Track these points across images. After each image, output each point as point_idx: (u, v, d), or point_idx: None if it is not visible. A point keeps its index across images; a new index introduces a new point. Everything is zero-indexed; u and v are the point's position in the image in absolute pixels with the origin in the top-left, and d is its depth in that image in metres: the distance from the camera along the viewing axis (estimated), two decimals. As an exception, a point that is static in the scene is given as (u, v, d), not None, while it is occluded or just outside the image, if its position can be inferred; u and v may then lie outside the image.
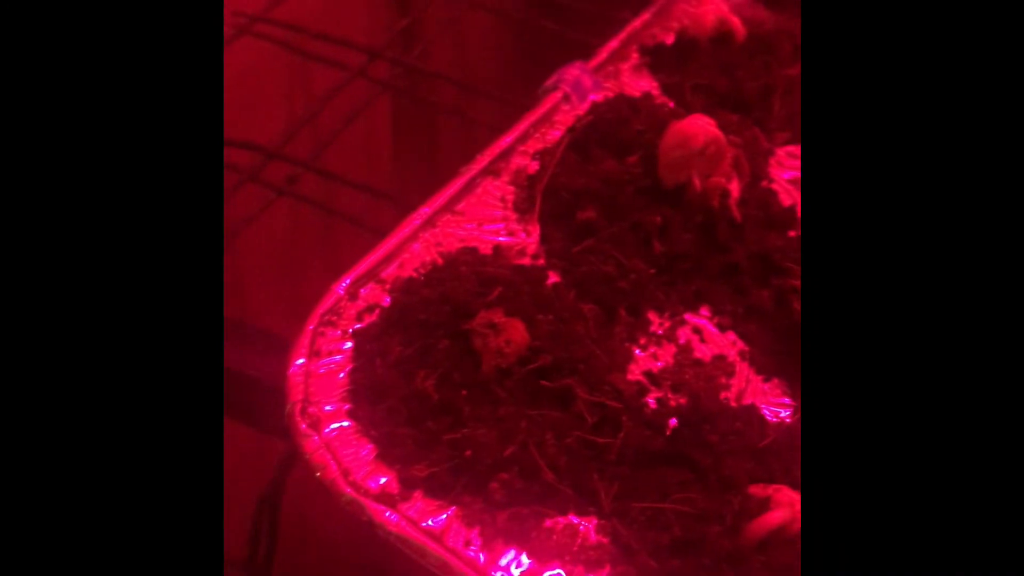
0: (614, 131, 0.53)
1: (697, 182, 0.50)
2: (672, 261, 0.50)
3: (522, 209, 0.53)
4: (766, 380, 0.48)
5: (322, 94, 0.66)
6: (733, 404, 0.46)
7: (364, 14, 0.84)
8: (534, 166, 0.55)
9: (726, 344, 0.49)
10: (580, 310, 0.47)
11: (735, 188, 0.52)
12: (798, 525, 0.39)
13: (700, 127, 0.49)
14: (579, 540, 0.41)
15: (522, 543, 0.41)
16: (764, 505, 0.40)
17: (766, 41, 0.62)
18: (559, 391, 0.43)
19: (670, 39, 0.63)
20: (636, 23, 0.65)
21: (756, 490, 0.40)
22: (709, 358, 0.48)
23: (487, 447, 0.41)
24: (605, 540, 0.41)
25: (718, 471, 0.41)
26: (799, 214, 0.54)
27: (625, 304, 0.49)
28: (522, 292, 0.46)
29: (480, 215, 0.53)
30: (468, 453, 0.41)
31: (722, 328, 0.50)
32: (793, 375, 0.47)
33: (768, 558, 0.39)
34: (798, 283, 0.47)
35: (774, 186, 0.56)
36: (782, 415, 0.46)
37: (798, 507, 0.40)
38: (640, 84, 0.62)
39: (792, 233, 0.53)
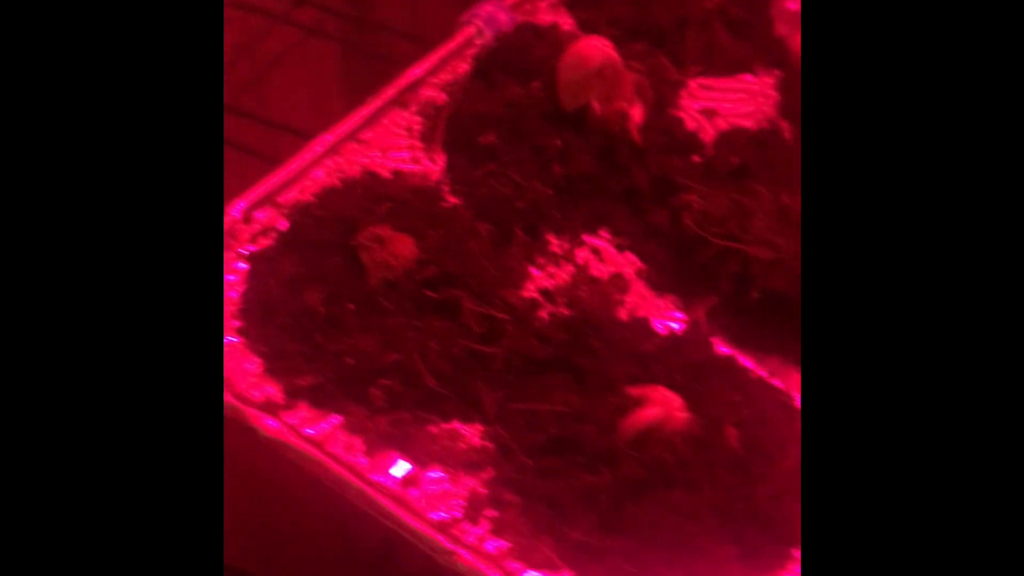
0: (518, 57, 0.54)
1: (596, 105, 0.51)
2: (572, 183, 0.50)
3: (428, 138, 0.54)
4: (659, 295, 0.48)
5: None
6: (625, 319, 0.46)
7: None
8: (443, 98, 0.56)
9: (624, 264, 0.50)
10: (475, 228, 0.47)
11: (637, 114, 0.52)
12: (672, 423, 0.40)
13: (596, 48, 0.50)
14: (462, 445, 0.42)
15: (404, 448, 0.41)
16: (640, 404, 0.40)
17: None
18: (446, 302, 0.44)
19: (586, -24, 0.63)
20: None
21: (633, 390, 0.41)
22: (606, 276, 0.49)
23: (370, 356, 0.42)
24: (489, 445, 0.42)
25: (599, 375, 0.41)
26: (705, 139, 0.54)
27: (522, 224, 0.49)
28: (414, 209, 0.46)
29: (385, 144, 0.53)
30: (351, 362, 0.42)
31: (620, 248, 0.50)
32: (686, 291, 0.48)
33: (642, 455, 0.39)
34: (693, 199, 0.48)
35: (682, 114, 0.56)
36: (672, 327, 0.46)
37: (673, 405, 0.40)
38: (560, 19, 0.62)
39: (696, 158, 0.53)
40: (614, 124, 0.51)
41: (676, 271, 0.48)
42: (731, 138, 0.52)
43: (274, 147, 0.63)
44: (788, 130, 0.56)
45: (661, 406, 0.39)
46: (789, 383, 0.45)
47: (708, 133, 0.55)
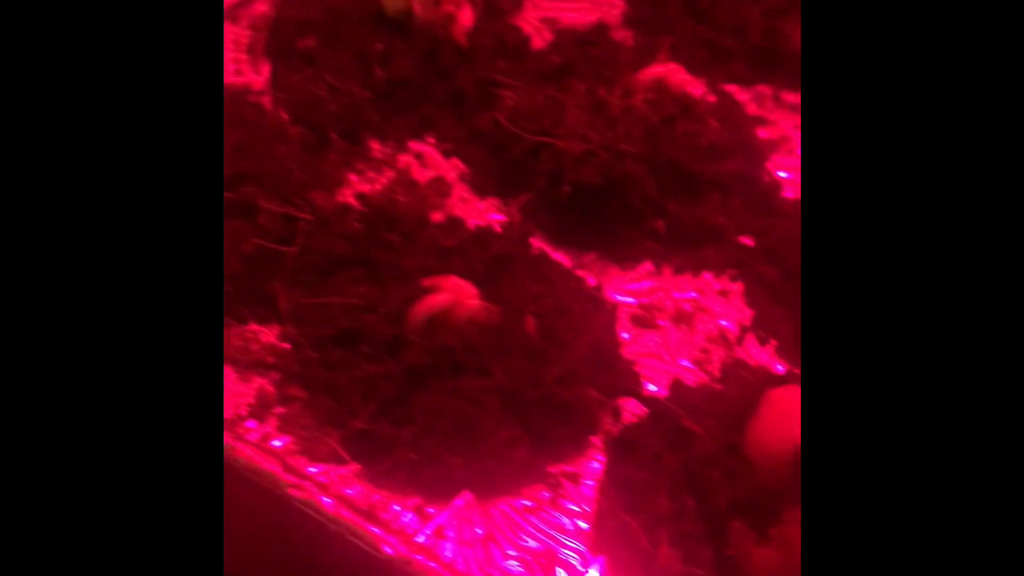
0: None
1: (418, 7, 0.50)
2: (394, 88, 0.49)
3: (252, 50, 0.52)
4: (482, 198, 0.47)
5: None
6: (441, 219, 0.45)
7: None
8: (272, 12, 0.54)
9: (448, 168, 0.48)
10: (285, 131, 0.46)
11: (466, 17, 0.51)
12: (463, 310, 0.39)
13: (413, -52, 0.49)
14: (254, 345, 0.41)
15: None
16: (430, 293, 0.39)
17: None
18: (239, 201, 0.42)
19: None
20: None
21: (425, 281, 0.40)
22: (426, 180, 0.48)
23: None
24: (286, 346, 0.41)
25: (394, 268, 0.40)
26: (538, 44, 0.53)
27: (339, 129, 0.48)
28: (226, 116, 0.45)
29: (208, 56, 0.52)
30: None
31: (446, 154, 0.49)
32: (505, 190, 0.47)
33: (431, 342, 0.38)
34: (508, 95, 0.47)
35: (520, 22, 0.55)
36: (492, 222, 0.46)
37: (464, 292, 0.39)
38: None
39: (529, 64, 0.52)
40: (439, 28, 0.50)
41: (494, 171, 0.47)
42: (559, 39, 0.52)
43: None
44: (620, 32, 0.55)
45: (451, 293, 0.38)
46: (602, 276, 0.44)
47: (546, 38, 0.55)
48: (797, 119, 0.53)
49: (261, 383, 0.40)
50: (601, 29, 0.53)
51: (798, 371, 0.41)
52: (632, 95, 0.46)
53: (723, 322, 0.44)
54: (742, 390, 0.39)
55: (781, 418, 0.37)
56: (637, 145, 0.44)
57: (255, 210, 0.43)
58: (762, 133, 0.52)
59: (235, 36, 0.54)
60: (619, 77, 0.47)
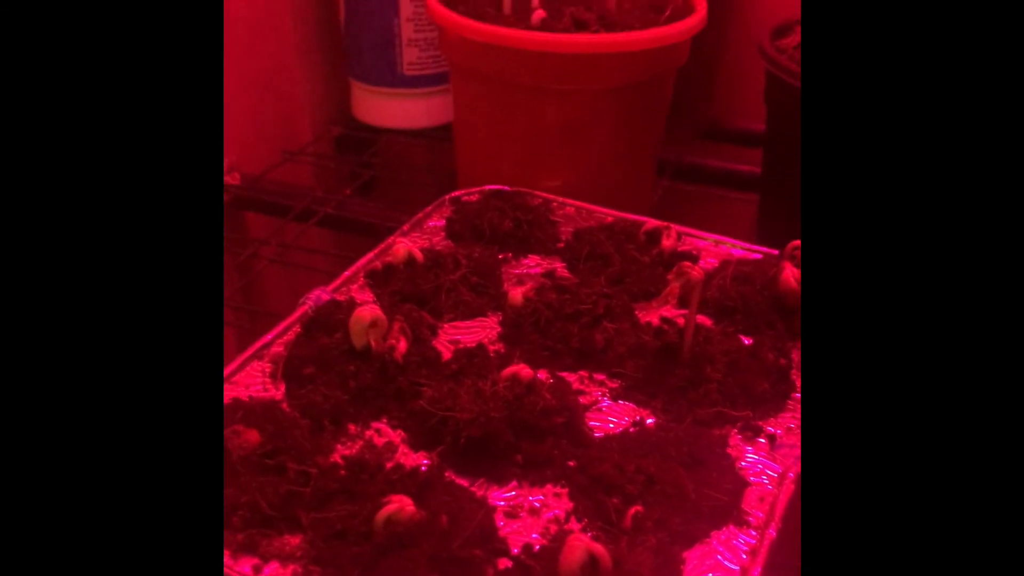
0: (327, 319, 0.87)
1: (373, 343, 0.84)
2: (361, 392, 0.81)
3: (273, 375, 0.85)
4: (415, 451, 0.78)
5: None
6: (392, 465, 0.76)
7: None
8: (283, 351, 0.88)
9: (395, 436, 0.80)
10: (297, 422, 0.78)
11: (403, 345, 0.85)
12: (404, 513, 0.69)
13: (368, 311, 0.83)
14: (287, 548, 0.70)
15: (253, 551, 0.69)
16: (386, 504, 0.69)
17: (438, 260, 0.98)
18: (277, 465, 0.73)
19: (379, 266, 0.99)
20: (364, 260, 1.01)
21: (384, 499, 0.70)
22: (381, 443, 0.79)
23: (229, 499, 0.71)
24: (304, 544, 0.70)
25: (364, 494, 0.71)
26: (445, 357, 0.87)
27: (329, 418, 0.80)
28: (260, 415, 0.77)
29: (248, 382, 0.84)
30: (220, 504, 0.70)
31: (393, 428, 0.81)
32: (429, 447, 0.78)
33: (388, 531, 0.68)
34: (426, 391, 0.80)
35: (437, 344, 0.89)
36: (421, 464, 0.76)
37: (405, 503, 0.69)
38: (364, 296, 0.97)
39: (440, 370, 0.86)
40: (386, 354, 0.84)
41: (421, 435, 0.78)
42: (457, 354, 0.86)
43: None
44: (493, 346, 0.89)
45: (398, 504, 0.69)
46: (487, 491, 0.75)
47: (449, 352, 0.89)
48: (604, 389, 0.86)
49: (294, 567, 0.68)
50: (481, 346, 0.87)
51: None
52: (498, 383, 0.80)
53: (556, 511, 0.74)
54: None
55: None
56: (501, 412, 0.77)
57: (285, 469, 0.74)
58: (583, 399, 0.85)
59: (261, 368, 0.87)
60: (490, 374, 0.80)
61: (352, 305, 0.88)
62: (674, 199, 1.36)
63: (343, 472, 0.70)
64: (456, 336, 0.87)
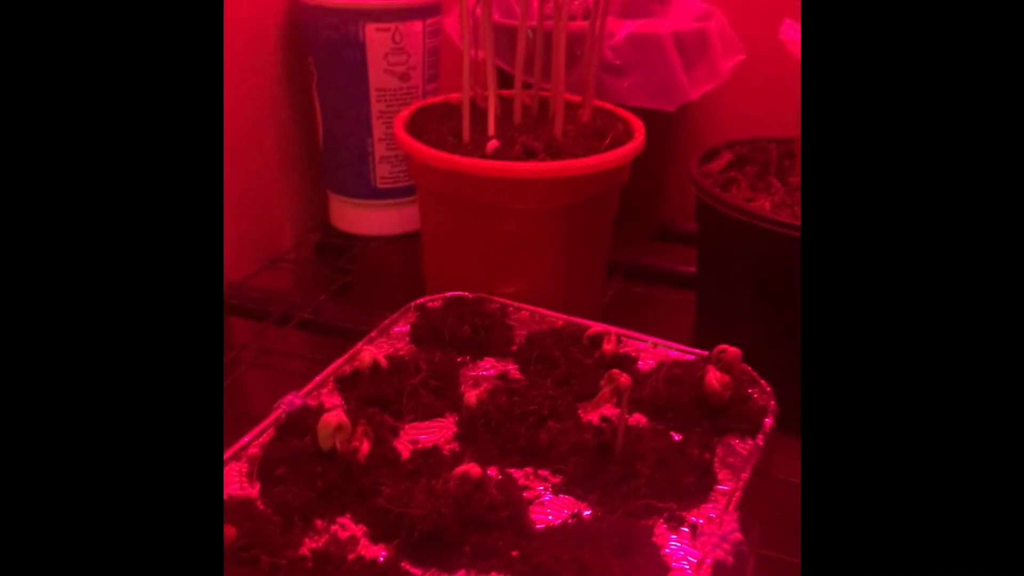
0: (299, 423, 0.97)
1: (338, 446, 0.93)
2: (327, 490, 0.91)
3: (250, 475, 0.95)
4: (375, 544, 0.88)
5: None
6: (353, 558, 0.85)
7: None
8: (258, 452, 0.97)
9: (358, 531, 0.89)
10: (271, 519, 0.87)
11: (366, 447, 0.95)
12: (363, 600, 0.78)
13: (335, 417, 0.93)
14: (259, 632, 0.78)
15: (227, 636, 0.77)
16: (346, 593, 0.78)
17: (401, 365, 1.09)
18: (251, 558, 0.82)
19: (347, 370, 1.09)
20: (333, 366, 1.12)
21: (344, 588, 0.79)
22: (344, 536, 0.88)
23: (209, 590, 0.79)
24: (274, 631, 0.78)
25: (329, 583, 0.80)
26: (404, 456, 0.97)
27: (299, 515, 0.89)
28: (236, 512, 0.86)
29: (227, 482, 0.94)
30: (199, 594, 0.79)
31: (356, 523, 0.90)
32: (387, 539, 0.88)
33: (347, 619, 0.76)
34: (386, 489, 0.89)
35: (397, 444, 0.99)
36: (379, 555, 0.86)
37: (363, 592, 0.78)
38: (333, 400, 1.07)
39: (399, 470, 0.95)
40: (350, 455, 0.94)
41: (381, 529, 0.88)
42: (415, 454, 0.96)
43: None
44: (448, 445, 0.99)
45: (356, 592, 0.78)
46: (442, 580, 0.84)
47: (408, 451, 0.99)
48: (547, 484, 0.96)
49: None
50: (436, 447, 0.96)
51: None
52: (449, 482, 0.89)
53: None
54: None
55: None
56: (451, 508, 0.86)
57: (258, 561, 0.83)
58: (527, 494, 0.94)
59: (239, 468, 0.96)
60: (443, 472, 0.90)
61: (321, 409, 0.98)
62: (624, 299, 1.48)
63: (310, 564, 0.79)
64: (416, 436, 0.95)
